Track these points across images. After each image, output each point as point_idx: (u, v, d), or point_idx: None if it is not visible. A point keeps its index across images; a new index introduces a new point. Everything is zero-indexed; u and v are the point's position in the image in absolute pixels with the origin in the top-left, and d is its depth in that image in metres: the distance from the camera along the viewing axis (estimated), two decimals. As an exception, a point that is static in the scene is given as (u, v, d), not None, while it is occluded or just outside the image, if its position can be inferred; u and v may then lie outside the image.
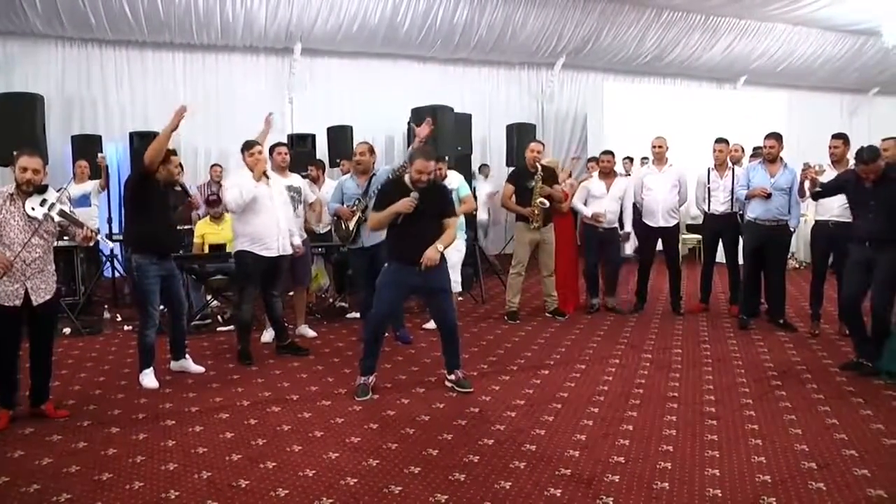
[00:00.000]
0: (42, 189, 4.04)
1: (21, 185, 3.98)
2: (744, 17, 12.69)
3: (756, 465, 3.49)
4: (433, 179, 4.75)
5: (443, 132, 8.31)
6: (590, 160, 10.70)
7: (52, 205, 4.03)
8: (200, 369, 5.33)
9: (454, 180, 6.47)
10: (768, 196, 6.29)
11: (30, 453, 3.78)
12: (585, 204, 7.29)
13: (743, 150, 7.60)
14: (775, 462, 3.54)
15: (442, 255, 4.64)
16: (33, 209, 3.98)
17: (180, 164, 5.11)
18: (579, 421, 4.19)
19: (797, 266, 9.73)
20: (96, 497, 3.25)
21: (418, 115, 8.59)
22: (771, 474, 3.39)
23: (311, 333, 6.48)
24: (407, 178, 4.69)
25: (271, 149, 6.09)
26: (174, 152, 5.09)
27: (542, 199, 6.83)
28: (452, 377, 4.84)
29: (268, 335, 6.19)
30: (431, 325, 6.63)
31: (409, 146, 9.37)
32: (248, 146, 5.58)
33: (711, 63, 13.72)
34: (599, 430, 4.03)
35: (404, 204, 4.51)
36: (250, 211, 5.46)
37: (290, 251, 5.71)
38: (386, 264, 4.77)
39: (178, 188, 5.34)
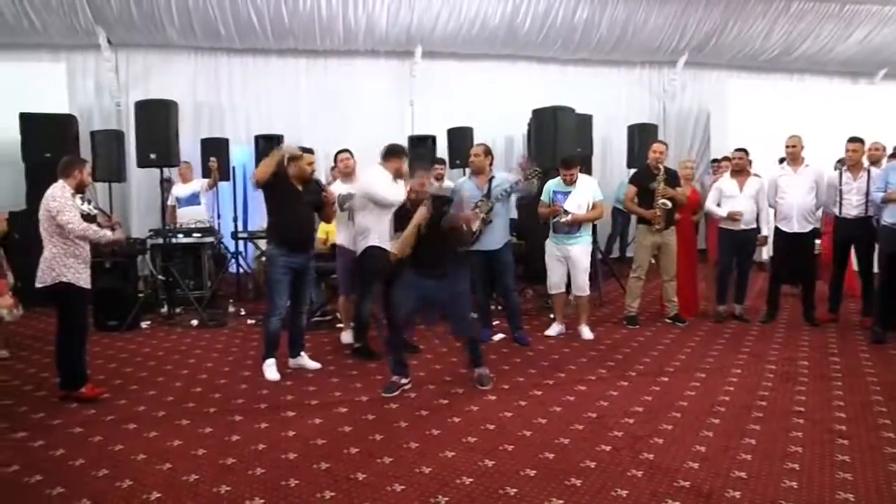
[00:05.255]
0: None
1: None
2: (888, 4, 11.63)
3: (899, 492, 3.18)
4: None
5: (563, 133, 8.15)
6: (713, 162, 10.31)
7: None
8: (317, 366, 5.40)
9: (588, 185, 6.30)
10: None
11: (162, 434, 3.98)
12: (719, 205, 6.96)
13: (884, 149, 7.02)
14: (923, 488, 3.21)
15: (449, 263, 4.76)
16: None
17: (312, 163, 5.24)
18: (699, 432, 4.00)
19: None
20: (222, 479, 3.37)
21: (539, 116, 8.47)
22: (919, 502, 3.08)
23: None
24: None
25: (335, 156, 6.42)
26: (310, 151, 5.29)
27: (664, 201, 6.57)
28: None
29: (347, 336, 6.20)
30: (552, 330, 6.53)
31: (527, 147, 9.31)
32: (398, 152, 5.69)
33: (845, 55, 12.72)
34: (720, 443, 3.83)
35: (422, 213, 4.64)
36: (387, 209, 5.41)
37: None
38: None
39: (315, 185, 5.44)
